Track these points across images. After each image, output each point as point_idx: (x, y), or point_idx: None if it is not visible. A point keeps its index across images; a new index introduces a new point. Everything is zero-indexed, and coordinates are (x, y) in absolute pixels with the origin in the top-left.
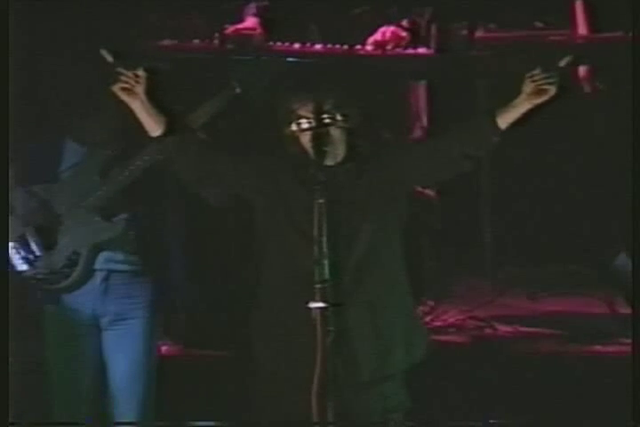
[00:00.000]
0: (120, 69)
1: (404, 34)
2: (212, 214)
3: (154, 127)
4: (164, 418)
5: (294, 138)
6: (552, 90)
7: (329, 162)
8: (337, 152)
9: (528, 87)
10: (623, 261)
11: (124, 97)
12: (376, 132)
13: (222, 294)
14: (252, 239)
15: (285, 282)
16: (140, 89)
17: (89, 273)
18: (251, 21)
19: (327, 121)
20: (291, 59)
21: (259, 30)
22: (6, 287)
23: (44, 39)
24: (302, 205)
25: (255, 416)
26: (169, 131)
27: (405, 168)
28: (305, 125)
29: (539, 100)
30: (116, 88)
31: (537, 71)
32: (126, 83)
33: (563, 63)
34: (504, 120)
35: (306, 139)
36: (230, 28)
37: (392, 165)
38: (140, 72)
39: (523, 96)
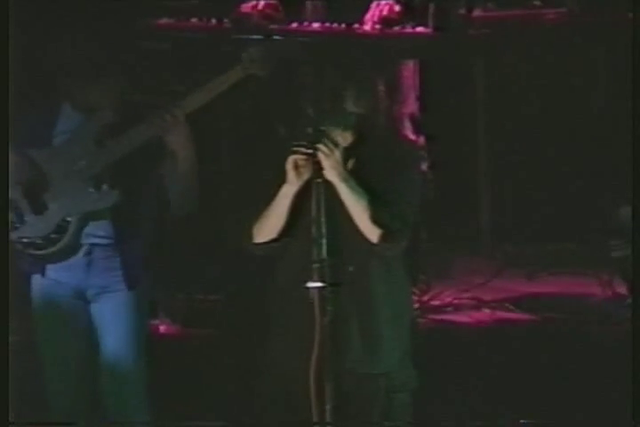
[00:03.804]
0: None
1: (396, 8)
2: (212, 195)
3: (272, 230)
4: (160, 396)
5: None
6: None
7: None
8: (345, 136)
9: None
10: (626, 212)
11: (290, 173)
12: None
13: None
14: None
15: (285, 263)
16: (307, 173)
17: (76, 242)
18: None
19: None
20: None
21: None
22: (6, 285)
23: (42, 9)
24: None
25: (255, 395)
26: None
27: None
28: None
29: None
30: (291, 161)
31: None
32: (304, 158)
33: None
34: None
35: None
36: (231, 9)
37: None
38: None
39: None
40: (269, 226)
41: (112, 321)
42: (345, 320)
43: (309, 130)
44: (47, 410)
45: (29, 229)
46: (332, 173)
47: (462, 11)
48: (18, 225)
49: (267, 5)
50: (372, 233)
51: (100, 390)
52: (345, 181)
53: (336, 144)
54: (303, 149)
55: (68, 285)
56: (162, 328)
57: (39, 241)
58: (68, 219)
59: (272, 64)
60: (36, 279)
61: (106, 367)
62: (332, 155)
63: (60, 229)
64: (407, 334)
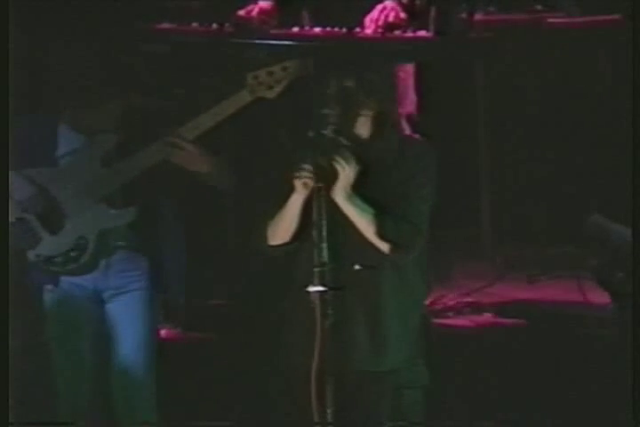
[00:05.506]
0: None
1: (402, 15)
2: (214, 199)
3: (285, 234)
4: (166, 396)
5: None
6: None
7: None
8: (360, 132)
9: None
10: (598, 220)
11: (297, 185)
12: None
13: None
14: (253, 224)
15: (295, 267)
16: (310, 184)
17: (98, 257)
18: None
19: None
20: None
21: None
22: (6, 288)
23: (40, 24)
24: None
25: (258, 397)
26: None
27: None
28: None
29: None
30: (297, 175)
31: None
32: (312, 174)
33: None
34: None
35: None
36: (232, 13)
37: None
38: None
39: None
40: (282, 230)
41: (126, 321)
42: (351, 319)
43: (310, 133)
44: (49, 411)
45: (46, 247)
46: (337, 192)
47: (463, 14)
48: (33, 244)
49: (261, 10)
50: (382, 246)
51: (110, 390)
52: (348, 198)
53: (354, 165)
54: (307, 173)
55: (84, 287)
56: (162, 333)
57: (58, 259)
58: (86, 236)
59: (282, 86)
60: (50, 285)
61: (118, 368)
62: (347, 177)
63: (79, 246)
64: (417, 331)
